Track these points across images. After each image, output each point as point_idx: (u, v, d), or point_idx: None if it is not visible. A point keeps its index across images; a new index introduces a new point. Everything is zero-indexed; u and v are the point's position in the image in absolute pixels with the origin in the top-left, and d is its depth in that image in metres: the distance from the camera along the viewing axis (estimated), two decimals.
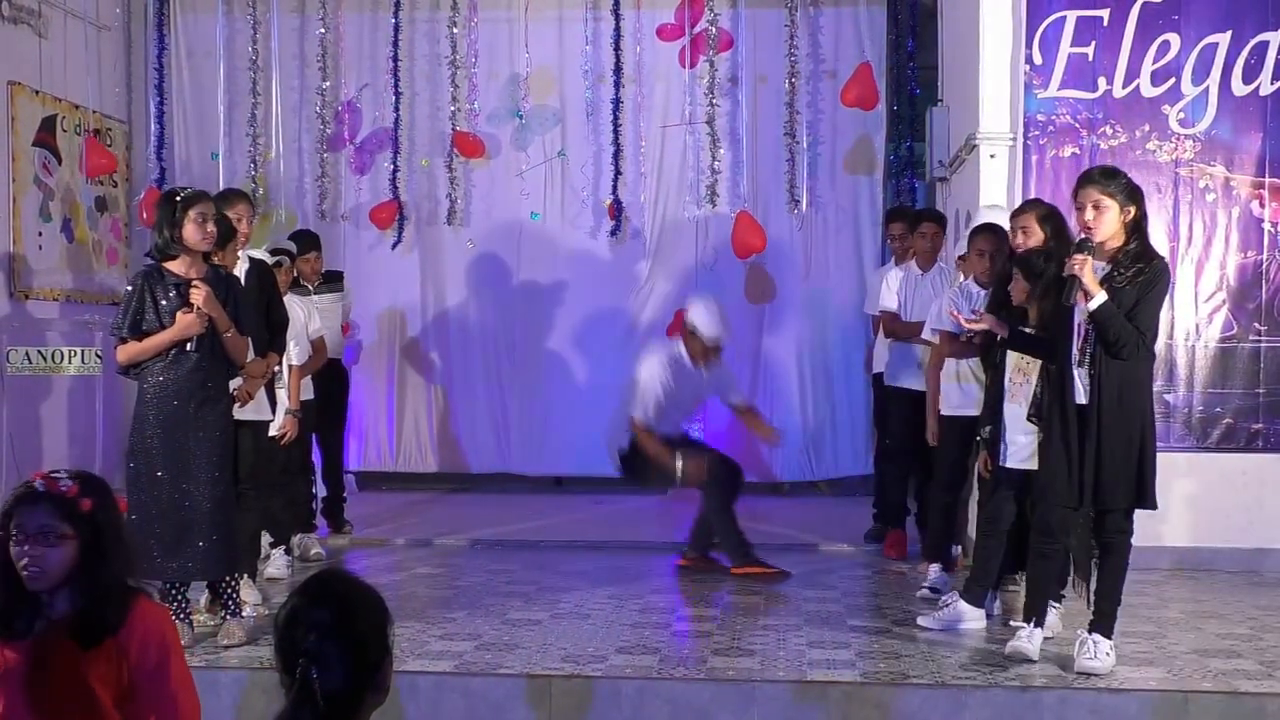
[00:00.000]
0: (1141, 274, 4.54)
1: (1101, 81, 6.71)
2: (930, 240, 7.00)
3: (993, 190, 6.77)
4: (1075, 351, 4.57)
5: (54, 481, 2.73)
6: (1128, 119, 6.71)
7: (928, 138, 8.27)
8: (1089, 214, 4.55)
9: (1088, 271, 4.47)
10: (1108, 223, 4.55)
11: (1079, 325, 4.57)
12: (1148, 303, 4.56)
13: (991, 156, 6.81)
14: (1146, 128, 6.71)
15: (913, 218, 7.42)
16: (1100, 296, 4.47)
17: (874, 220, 9.38)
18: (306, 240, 7.43)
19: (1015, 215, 5.56)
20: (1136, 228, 4.61)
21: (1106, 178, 4.63)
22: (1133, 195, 4.61)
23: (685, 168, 9.51)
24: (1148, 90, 6.71)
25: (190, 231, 4.98)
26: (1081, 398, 4.55)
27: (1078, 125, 6.73)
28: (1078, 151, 6.71)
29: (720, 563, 6.55)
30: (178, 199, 5.03)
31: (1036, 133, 6.73)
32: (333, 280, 7.72)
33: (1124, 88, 6.71)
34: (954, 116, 7.85)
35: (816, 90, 9.40)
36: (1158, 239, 6.70)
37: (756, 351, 9.51)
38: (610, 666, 4.73)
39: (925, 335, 6.21)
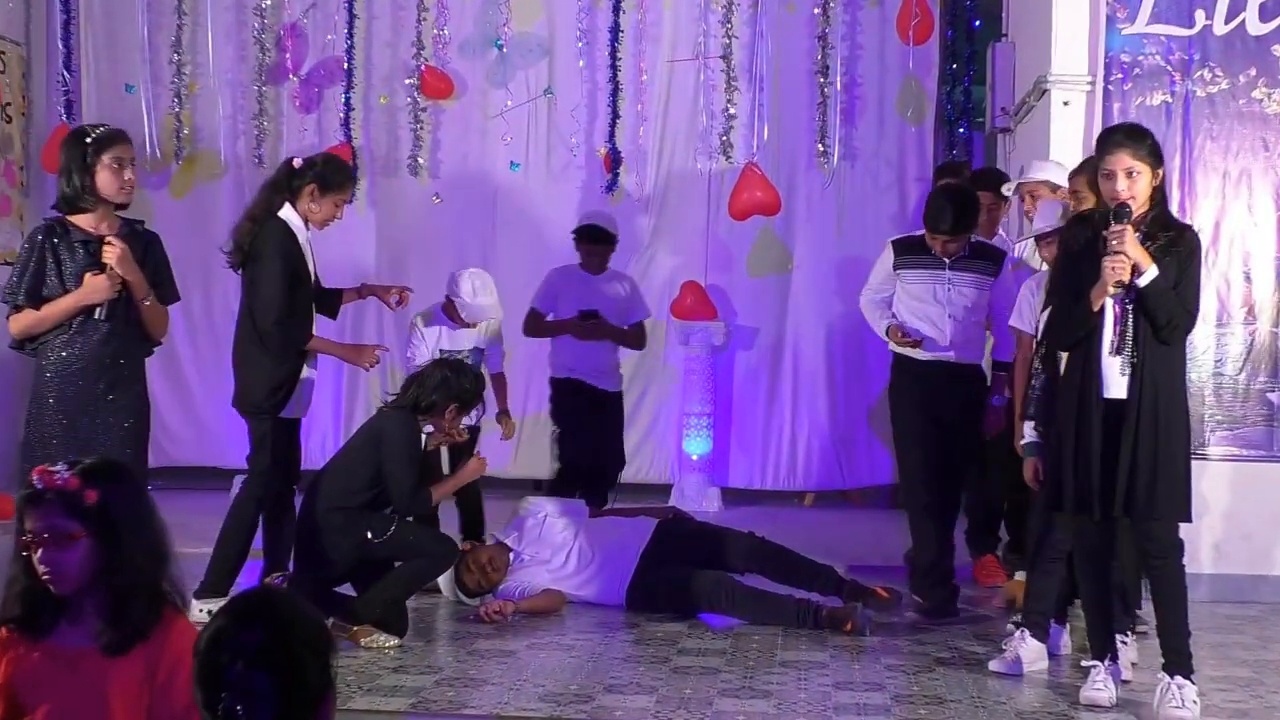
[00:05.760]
0: (1175, 244, 4.63)
1: (1200, 15, 6.70)
2: (988, 212, 6.84)
3: (1065, 145, 6.75)
4: (1111, 337, 4.59)
5: (50, 475, 2.82)
6: (1229, 61, 6.71)
7: (988, 80, 8.26)
8: (1121, 182, 4.59)
9: (1132, 244, 4.52)
10: (1142, 191, 4.62)
11: (1114, 306, 4.59)
12: (1191, 278, 4.67)
13: (1065, 104, 6.83)
14: (1253, 71, 6.71)
15: (972, 178, 7.36)
16: (1152, 270, 4.53)
17: (921, 177, 9.35)
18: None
19: (1070, 176, 5.62)
20: (1161, 192, 4.72)
21: (1135, 139, 4.71)
22: (1161, 157, 4.72)
23: (696, 111, 9.50)
24: (1255, 27, 6.70)
25: (105, 180, 5.01)
26: (1118, 391, 4.59)
27: (1169, 68, 6.72)
28: (1169, 99, 6.70)
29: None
30: (88, 140, 5.03)
31: (1119, 76, 6.73)
32: None
33: (1226, 24, 6.70)
34: (1021, 55, 7.86)
35: (855, 20, 9.39)
36: (1263, 202, 6.70)
37: (775, 333, 9.48)
38: (597, 708, 4.72)
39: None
